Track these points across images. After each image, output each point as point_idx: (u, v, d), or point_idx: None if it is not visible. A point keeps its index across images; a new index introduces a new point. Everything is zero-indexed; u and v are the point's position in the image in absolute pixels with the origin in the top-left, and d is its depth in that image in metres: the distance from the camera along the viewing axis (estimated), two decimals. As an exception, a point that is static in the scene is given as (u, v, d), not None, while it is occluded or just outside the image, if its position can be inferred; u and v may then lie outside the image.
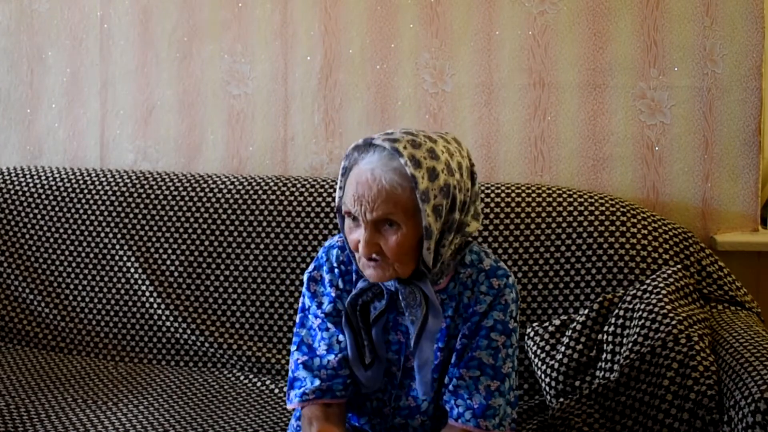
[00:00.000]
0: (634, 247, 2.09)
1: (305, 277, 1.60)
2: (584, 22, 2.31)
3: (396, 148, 1.39)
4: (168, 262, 2.31)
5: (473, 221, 1.50)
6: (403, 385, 1.56)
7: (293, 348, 1.60)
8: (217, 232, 2.30)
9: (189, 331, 2.25)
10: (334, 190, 2.28)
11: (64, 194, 2.41)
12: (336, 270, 1.57)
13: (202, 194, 2.35)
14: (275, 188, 2.32)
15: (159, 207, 2.35)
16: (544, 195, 2.20)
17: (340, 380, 1.53)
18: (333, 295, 1.57)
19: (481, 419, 1.47)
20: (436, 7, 2.38)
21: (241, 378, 2.18)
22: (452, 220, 1.43)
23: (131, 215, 2.36)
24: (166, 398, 2.03)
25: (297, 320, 1.62)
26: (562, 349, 1.99)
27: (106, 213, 2.37)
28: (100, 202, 2.39)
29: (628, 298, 1.96)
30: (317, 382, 1.53)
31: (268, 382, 2.14)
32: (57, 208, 2.40)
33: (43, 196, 2.42)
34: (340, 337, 1.55)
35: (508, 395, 1.50)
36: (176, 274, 2.30)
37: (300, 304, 1.63)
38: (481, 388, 1.48)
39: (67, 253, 2.37)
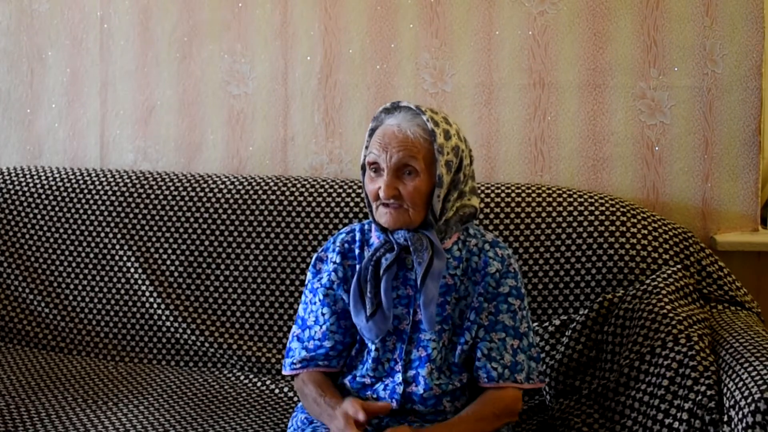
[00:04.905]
0: (634, 247, 2.09)
1: (314, 258, 1.78)
2: (584, 22, 2.31)
3: (420, 108, 1.63)
4: (168, 262, 2.31)
5: (473, 196, 1.70)
6: (413, 340, 1.67)
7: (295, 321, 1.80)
8: (217, 232, 2.30)
9: (189, 331, 2.25)
10: (334, 190, 2.29)
11: (64, 194, 2.41)
12: (337, 249, 1.74)
13: (202, 194, 2.35)
14: (275, 188, 2.32)
15: (159, 207, 2.35)
16: (544, 195, 2.20)
17: (323, 351, 1.71)
18: (330, 269, 1.73)
19: (516, 374, 1.64)
20: (436, 7, 2.38)
21: (241, 378, 2.18)
22: (457, 180, 1.64)
23: (131, 215, 2.36)
24: (166, 398, 2.03)
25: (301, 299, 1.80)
26: (562, 349, 1.99)
27: (106, 213, 2.37)
28: (100, 202, 2.39)
29: (628, 298, 1.96)
30: (303, 353, 1.72)
31: (268, 382, 2.14)
32: (57, 208, 2.40)
33: (43, 196, 2.42)
34: (324, 310, 1.72)
35: (529, 351, 1.67)
36: (176, 274, 2.30)
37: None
38: (507, 347, 1.65)
39: (67, 253, 2.37)
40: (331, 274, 1.72)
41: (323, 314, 1.72)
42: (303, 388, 1.69)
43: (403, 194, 1.60)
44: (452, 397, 1.66)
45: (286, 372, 1.74)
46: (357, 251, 1.72)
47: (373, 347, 1.68)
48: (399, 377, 1.66)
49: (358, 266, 1.70)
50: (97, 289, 2.34)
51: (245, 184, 2.35)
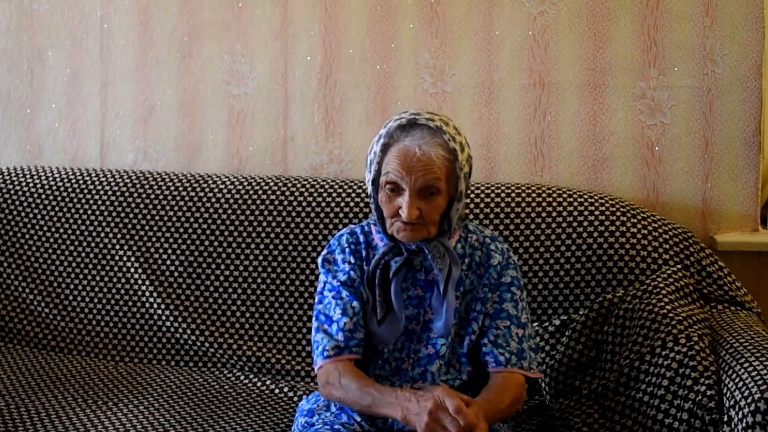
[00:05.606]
0: (634, 247, 2.09)
1: (319, 260, 1.76)
2: (584, 22, 2.31)
3: (439, 127, 1.62)
4: (168, 262, 2.31)
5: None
6: (421, 339, 1.69)
7: (313, 320, 1.73)
8: (217, 232, 2.30)
9: (189, 331, 2.25)
10: (334, 190, 2.29)
11: (64, 194, 2.41)
12: (347, 249, 1.74)
13: (202, 194, 2.35)
14: (275, 188, 2.32)
15: (159, 207, 2.35)
16: (544, 195, 2.20)
17: (356, 341, 1.67)
18: (347, 268, 1.72)
19: (523, 361, 1.67)
20: (436, 7, 2.38)
21: (241, 378, 2.18)
22: (468, 185, 1.68)
23: (131, 215, 2.36)
24: (166, 398, 2.03)
25: (316, 302, 1.76)
26: (562, 349, 1.99)
27: (106, 213, 2.37)
28: (100, 202, 2.39)
29: (628, 298, 1.96)
30: (334, 342, 1.66)
31: (268, 382, 2.14)
32: (57, 208, 2.40)
33: (43, 196, 2.42)
34: (354, 303, 1.69)
35: (528, 341, 1.70)
36: (176, 274, 2.30)
37: (318, 289, 1.76)
38: (513, 335, 1.68)
39: (67, 253, 2.37)
40: (350, 273, 1.71)
41: (353, 307, 1.68)
42: (339, 379, 1.62)
43: (423, 213, 1.61)
44: (459, 391, 1.66)
45: (318, 363, 1.67)
46: (363, 253, 1.74)
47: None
48: (407, 375, 1.67)
49: (365, 267, 1.71)
50: (97, 289, 2.34)
51: (245, 184, 2.35)
